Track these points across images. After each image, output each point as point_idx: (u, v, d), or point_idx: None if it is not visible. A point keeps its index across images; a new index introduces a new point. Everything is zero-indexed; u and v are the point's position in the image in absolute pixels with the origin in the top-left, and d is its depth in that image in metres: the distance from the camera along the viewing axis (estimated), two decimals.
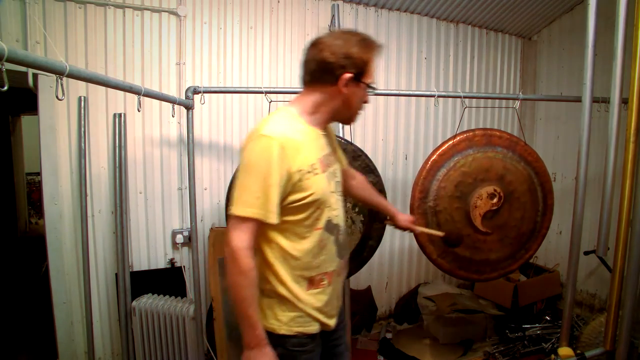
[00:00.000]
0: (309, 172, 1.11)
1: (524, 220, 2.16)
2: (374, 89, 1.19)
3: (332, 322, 1.25)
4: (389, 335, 2.91)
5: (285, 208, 1.10)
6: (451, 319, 2.77)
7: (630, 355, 1.70)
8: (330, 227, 1.20)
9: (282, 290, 1.15)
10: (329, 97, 1.16)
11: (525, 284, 3.09)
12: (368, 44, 1.15)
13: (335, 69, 1.11)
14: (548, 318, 2.96)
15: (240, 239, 1.05)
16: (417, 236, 2.06)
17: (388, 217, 1.69)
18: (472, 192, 2.09)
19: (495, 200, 2.09)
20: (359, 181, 1.58)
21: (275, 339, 1.14)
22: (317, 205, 1.14)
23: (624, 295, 1.65)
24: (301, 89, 1.21)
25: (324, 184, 1.15)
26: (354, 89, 1.15)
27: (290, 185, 1.08)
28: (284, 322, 1.15)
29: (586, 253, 2.76)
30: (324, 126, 1.23)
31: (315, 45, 1.15)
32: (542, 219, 2.22)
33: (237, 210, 1.06)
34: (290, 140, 1.07)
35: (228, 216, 1.10)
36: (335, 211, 1.22)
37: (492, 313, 2.96)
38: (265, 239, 1.14)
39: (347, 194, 1.49)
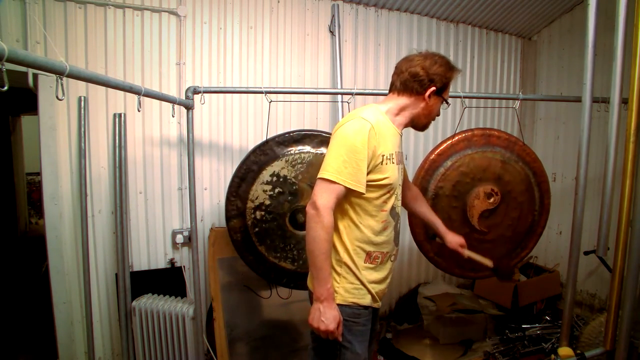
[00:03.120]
0: (388, 158, 1.29)
1: (520, 219, 2.17)
2: (448, 104, 1.44)
3: (378, 304, 1.40)
4: (389, 335, 2.91)
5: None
6: (451, 319, 2.77)
7: (630, 355, 1.70)
8: (394, 214, 1.37)
9: (345, 256, 1.31)
10: (413, 104, 1.37)
11: (525, 284, 3.09)
12: (451, 67, 1.38)
13: (424, 82, 1.34)
14: (548, 318, 2.96)
15: (327, 199, 1.21)
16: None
17: (438, 237, 1.75)
18: (469, 192, 2.09)
19: (492, 199, 2.09)
20: (415, 193, 1.74)
21: None
22: (388, 189, 1.31)
23: (624, 295, 1.65)
24: (386, 93, 1.46)
25: (397, 173, 1.34)
26: (435, 101, 1.38)
27: (373, 165, 1.26)
28: (340, 293, 1.29)
29: (586, 253, 2.76)
30: (402, 128, 1.42)
31: (409, 60, 1.38)
32: (538, 218, 2.22)
33: (328, 175, 1.22)
34: (381, 128, 1.27)
35: (317, 179, 1.25)
36: (399, 202, 1.41)
37: (492, 313, 2.96)
38: (339, 209, 1.29)
39: (402, 203, 1.59)
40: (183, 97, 2.02)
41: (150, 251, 2.42)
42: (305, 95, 2.58)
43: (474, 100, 3.16)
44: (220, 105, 2.52)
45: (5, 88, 0.83)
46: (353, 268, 1.31)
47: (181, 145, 2.43)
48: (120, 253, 2.28)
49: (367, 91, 2.35)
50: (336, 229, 1.31)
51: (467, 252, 1.74)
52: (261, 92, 2.03)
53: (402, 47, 3.03)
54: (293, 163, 2.00)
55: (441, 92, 1.37)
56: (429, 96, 1.35)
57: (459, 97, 2.15)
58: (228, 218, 2.02)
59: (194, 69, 2.44)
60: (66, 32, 2.12)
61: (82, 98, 2.16)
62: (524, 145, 2.19)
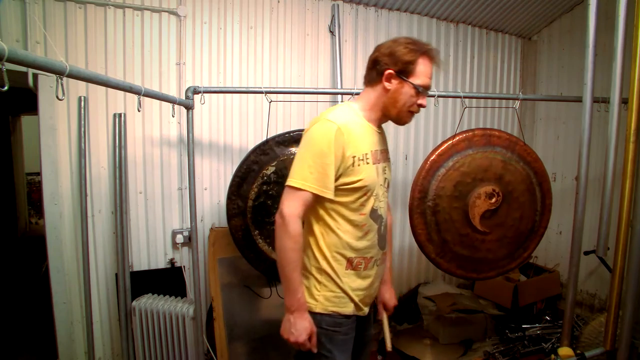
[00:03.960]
0: (361, 159, 1.22)
1: (522, 219, 2.16)
2: (420, 90, 1.25)
3: (365, 310, 1.33)
4: None
5: (336, 189, 1.20)
6: (451, 319, 2.77)
7: (631, 355, 1.70)
8: (375, 216, 1.29)
9: (323, 263, 1.25)
10: (379, 95, 1.28)
11: (525, 284, 3.09)
12: (415, 47, 1.24)
13: (380, 66, 1.25)
14: (548, 318, 2.96)
15: (293, 207, 1.16)
16: (419, 242, 2.08)
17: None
18: (470, 192, 2.09)
19: (493, 199, 2.09)
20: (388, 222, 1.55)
21: (311, 318, 1.21)
22: (365, 191, 1.24)
23: (625, 295, 1.65)
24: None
25: (373, 174, 1.25)
26: (398, 86, 1.24)
27: (343, 168, 1.19)
28: (320, 302, 1.24)
29: (586, 253, 2.76)
30: (379, 124, 1.34)
31: (374, 49, 1.30)
32: (540, 218, 2.22)
33: (293, 182, 1.17)
34: (349, 128, 1.20)
35: (285, 186, 1.21)
36: (381, 203, 1.32)
37: (492, 313, 2.96)
38: (314, 215, 1.26)
39: None
40: (183, 97, 2.02)
41: (150, 251, 2.41)
42: (305, 95, 2.57)
43: (474, 100, 3.16)
44: (220, 105, 2.52)
45: (5, 88, 0.83)
46: (333, 276, 1.25)
47: (181, 145, 2.43)
48: (120, 253, 2.28)
49: None
50: (313, 235, 1.26)
51: (384, 317, 1.57)
52: (261, 92, 2.03)
53: None
54: None
55: (405, 75, 1.23)
56: (388, 80, 1.24)
57: (459, 97, 2.15)
58: (229, 217, 2.02)
59: (194, 69, 2.44)
60: (66, 32, 2.11)
61: (82, 98, 2.16)
62: (525, 145, 2.19)
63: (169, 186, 2.43)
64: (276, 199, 1.98)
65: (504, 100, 3.09)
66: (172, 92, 2.37)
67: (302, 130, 1.97)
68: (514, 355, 2.63)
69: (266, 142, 2.02)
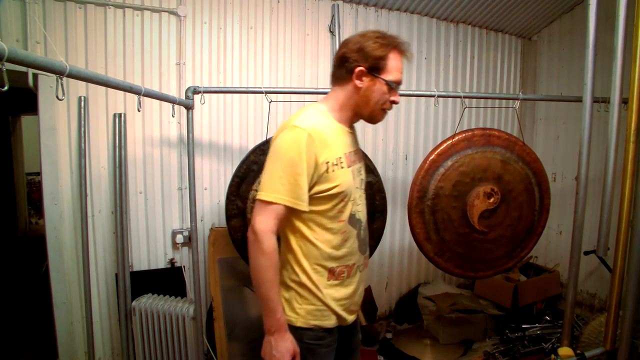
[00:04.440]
0: (335, 164, 1.15)
1: (520, 219, 2.17)
2: (392, 86, 1.19)
3: (350, 318, 1.27)
4: (389, 335, 2.91)
5: (311, 198, 1.13)
6: (451, 319, 2.77)
7: (631, 355, 1.70)
8: (354, 221, 1.23)
9: (303, 277, 1.18)
10: (349, 94, 1.20)
11: (525, 284, 3.09)
12: (385, 41, 1.16)
13: (349, 63, 1.17)
14: (548, 318, 2.96)
15: (264, 222, 1.08)
16: (416, 237, 2.07)
17: None
18: (469, 192, 2.09)
19: (492, 199, 2.09)
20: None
21: (292, 332, 1.16)
22: (342, 197, 1.17)
23: (625, 295, 1.65)
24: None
25: (349, 178, 1.19)
26: (370, 83, 1.18)
27: (317, 176, 1.12)
28: (301, 315, 1.18)
29: (586, 253, 2.76)
30: (350, 124, 1.27)
31: (341, 45, 1.22)
32: (538, 218, 2.22)
33: (263, 195, 1.09)
34: (320, 133, 1.12)
35: (256, 200, 1.13)
36: (359, 206, 1.26)
37: (492, 313, 2.96)
38: (290, 227, 1.18)
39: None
40: (183, 97, 2.02)
41: (150, 251, 2.41)
42: (305, 95, 2.56)
43: (474, 100, 3.16)
44: (220, 105, 2.52)
45: (6, 88, 0.83)
46: (314, 289, 1.18)
47: (181, 145, 2.43)
48: (120, 253, 2.28)
49: None
50: (290, 249, 1.19)
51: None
52: (261, 92, 2.03)
53: None
54: None
55: (377, 72, 1.16)
56: (359, 78, 1.17)
57: (459, 97, 2.15)
58: (228, 217, 2.02)
59: (194, 69, 2.44)
60: (66, 32, 2.11)
61: (82, 98, 2.16)
62: (524, 145, 2.19)
63: (169, 186, 2.43)
64: None
65: (503, 100, 3.09)
66: (172, 92, 2.37)
67: None
68: (514, 355, 2.63)
69: (266, 142, 2.02)
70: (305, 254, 1.18)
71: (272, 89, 2.08)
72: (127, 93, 1.92)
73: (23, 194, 5.74)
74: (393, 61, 1.18)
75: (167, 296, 2.28)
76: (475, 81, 3.35)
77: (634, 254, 1.61)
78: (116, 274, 2.30)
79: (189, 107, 1.97)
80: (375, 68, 1.16)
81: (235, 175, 2.02)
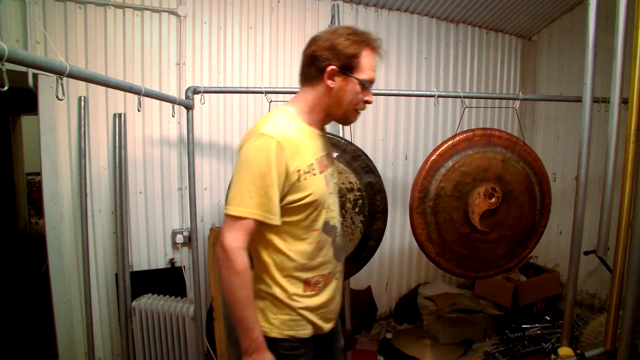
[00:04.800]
0: (307, 172, 1.08)
1: (521, 219, 2.17)
2: (366, 85, 1.12)
3: (327, 326, 1.22)
4: (389, 335, 2.91)
5: (283, 209, 1.07)
6: (451, 319, 2.77)
7: (631, 355, 1.70)
8: (328, 228, 1.17)
9: (277, 291, 1.12)
10: (320, 94, 1.13)
11: (525, 284, 3.09)
12: (357, 37, 1.09)
13: (320, 62, 1.09)
14: (548, 318, 2.96)
15: (235, 238, 1.01)
16: (417, 236, 2.07)
17: None
18: (471, 192, 2.09)
19: (493, 199, 2.09)
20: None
21: (266, 343, 1.10)
22: (315, 206, 1.11)
23: (625, 295, 1.65)
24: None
25: (322, 185, 1.13)
26: (342, 83, 1.10)
27: (288, 185, 1.05)
28: (275, 325, 1.12)
29: (586, 253, 2.76)
30: (321, 126, 1.20)
31: (309, 42, 1.15)
32: (539, 218, 2.22)
33: (232, 210, 1.02)
34: (290, 140, 1.05)
35: (224, 215, 1.05)
36: (333, 212, 1.20)
37: (492, 313, 2.96)
38: (261, 240, 1.11)
39: None
40: (183, 97, 2.02)
41: (150, 251, 2.41)
42: None
43: (474, 100, 3.16)
44: (220, 105, 2.52)
45: (6, 88, 0.83)
46: (289, 301, 1.12)
47: (181, 145, 2.43)
48: (120, 253, 2.28)
49: None
50: (262, 263, 1.12)
51: None
52: (261, 92, 2.03)
53: (402, 47, 3.03)
54: None
55: (349, 71, 1.09)
56: (331, 78, 1.09)
57: (459, 97, 2.15)
58: None
59: (194, 69, 2.44)
60: (66, 32, 2.11)
61: (82, 98, 2.16)
62: (525, 145, 2.19)
63: (169, 186, 2.43)
64: None
65: (504, 100, 3.09)
66: (172, 92, 2.37)
67: None
68: (514, 355, 2.63)
69: None
70: (278, 267, 1.11)
71: (272, 89, 2.08)
72: (127, 93, 1.92)
73: (23, 194, 5.73)
74: (366, 59, 1.11)
75: (167, 296, 2.28)
76: (475, 81, 3.35)
77: (634, 254, 1.61)
78: (116, 274, 2.30)
79: (189, 107, 1.97)
80: (347, 67, 1.09)
81: None
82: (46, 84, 2.04)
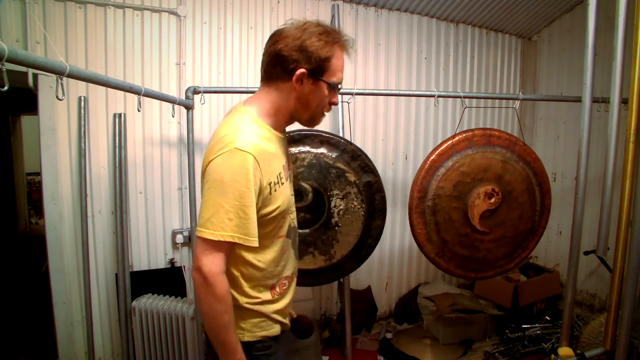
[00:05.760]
0: (276, 182, 1.04)
1: (521, 219, 2.16)
2: (334, 88, 1.08)
3: (288, 320, 1.22)
4: (389, 335, 2.91)
5: None
6: (451, 319, 2.77)
7: (630, 355, 1.70)
8: (290, 231, 1.16)
9: (244, 300, 1.09)
10: (285, 96, 1.07)
11: (525, 284, 3.09)
12: (330, 38, 1.02)
13: (288, 63, 1.02)
14: (548, 318, 2.96)
15: (214, 263, 0.95)
16: (416, 236, 2.07)
17: None
18: (470, 192, 2.09)
19: (493, 199, 2.09)
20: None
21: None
22: (283, 215, 1.09)
23: (624, 295, 1.65)
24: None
25: (288, 192, 1.12)
26: (311, 87, 1.05)
27: (261, 200, 1.01)
28: (247, 329, 1.11)
29: (586, 253, 2.76)
30: (284, 128, 1.16)
31: (273, 36, 1.06)
32: (539, 218, 2.22)
33: (208, 234, 0.95)
34: (262, 152, 0.99)
35: (197, 237, 0.97)
36: (293, 213, 1.19)
37: (492, 313, 2.96)
38: (231, 257, 1.06)
39: None
40: (183, 97, 2.02)
41: (150, 251, 2.41)
42: None
43: (474, 100, 3.16)
44: (220, 105, 2.52)
45: (5, 88, 0.83)
46: (258, 308, 1.11)
47: (181, 145, 2.43)
48: (120, 253, 2.28)
49: (367, 91, 2.35)
50: (230, 277, 1.05)
51: None
52: None
53: (402, 47, 3.03)
54: (293, 163, 1.99)
55: (320, 75, 1.03)
56: (299, 81, 1.03)
57: (459, 97, 2.15)
58: None
59: (194, 69, 2.44)
60: (66, 32, 2.12)
61: (82, 98, 2.16)
62: (525, 145, 2.19)
63: (169, 186, 2.43)
64: None
65: (504, 100, 3.09)
66: (172, 92, 2.37)
67: (302, 130, 1.98)
68: (514, 355, 2.63)
69: None
70: (246, 278, 1.08)
71: None
72: (127, 93, 1.92)
73: (23, 194, 5.74)
74: (336, 60, 1.05)
75: (167, 296, 2.28)
76: (475, 81, 3.35)
77: (634, 254, 1.61)
78: (116, 274, 2.30)
79: (189, 107, 1.97)
80: (318, 70, 1.03)
81: None
82: (46, 84, 2.04)
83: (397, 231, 3.14)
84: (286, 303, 1.19)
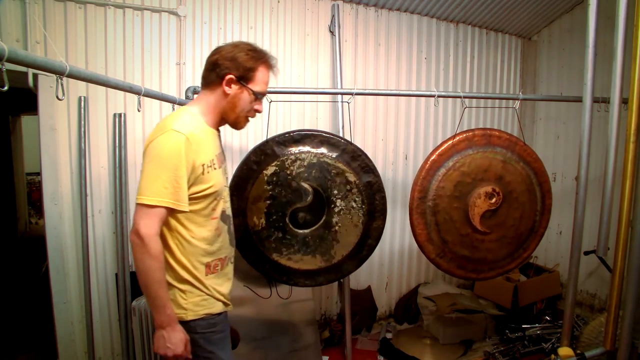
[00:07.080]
0: (209, 166, 1.23)
1: (522, 219, 2.16)
2: (258, 96, 1.31)
3: (230, 307, 1.38)
4: (389, 335, 2.91)
5: (188, 199, 1.20)
6: (451, 319, 2.77)
7: (631, 355, 1.70)
8: (224, 217, 1.34)
9: (184, 274, 1.24)
10: (218, 98, 1.28)
11: (525, 284, 3.09)
12: (256, 55, 1.30)
13: (220, 70, 1.25)
14: (548, 318, 2.96)
15: (150, 226, 1.12)
16: (417, 236, 2.07)
17: None
18: (471, 192, 2.09)
19: (494, 200, 2.09)
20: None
21: (184, 326, 1.22)
22: (215, 196, 1.27)
23: (625, 295, 1.65)
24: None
25: (220, 178, 1.29)
26: (238, 91, 1.28)
27: (194, 178, 1.19)
28: (189, 309, 1.25)
29: (586, 253, 2.76)
30: (217, 127, 1.35)
31: (213, 51, 1.31)
32: (540, 218, 2.22)
33: (146, 199, 1.12)
34: (196, 137, 1.19)
35: (136, 204, 1.15)
36: (227, 203, 1.38)
37: (492, 313, 2.96)
38: (167, 227, 1.22)
39: None
40: (183, 97, 2.02)
41: None
42: (305, 95, 2.57)
43: (474, 100, 3.16)
44: None
45: (5, 88, 0.83)
46: (196, 283, 1.26)
47: None
48: (120, 253, 2.28)
49: (367, 91, 2.35)
50: (167, 247, 1.23)
51: None
52: None
53: (402, 47, 3.03)
54: (293, 163, 1.99)
55: (245, 81, 1.28)
56: (229, 85, 1.26)
57: (459, 97, 2.15)
58: None
59: (194, 69, 2.44)
60: (66, 32, 2.11)
61: (82, 98, 2.16)
62: (525, 145, 2.19)
63: None
64: (276, 199, 1.98)
65: (504, 100, 3.09)
66: (172, 92, 2.37)
67: (302, 130, 1.99)
68: (514, 355, 2.63)
69: (266, 143, 2.02)
70: (183, 252, 1.24)
71: (272, 89, 2.08)
72: (127, 93, 1.92)
73: (23, 194, 5.74)
74: (261, 74, 1.30)
75: None
76: (475, 81, 3.35)
77: (634, 254, 1.61)
78: (116, 274, 2.30)
79: None
80: (244, 77, 1.27)
81: (235, 176, 2.02)
82: (46, 84, 2.04)
83: (397, 231, 3.14)
84: (222, 284, 1.34)
